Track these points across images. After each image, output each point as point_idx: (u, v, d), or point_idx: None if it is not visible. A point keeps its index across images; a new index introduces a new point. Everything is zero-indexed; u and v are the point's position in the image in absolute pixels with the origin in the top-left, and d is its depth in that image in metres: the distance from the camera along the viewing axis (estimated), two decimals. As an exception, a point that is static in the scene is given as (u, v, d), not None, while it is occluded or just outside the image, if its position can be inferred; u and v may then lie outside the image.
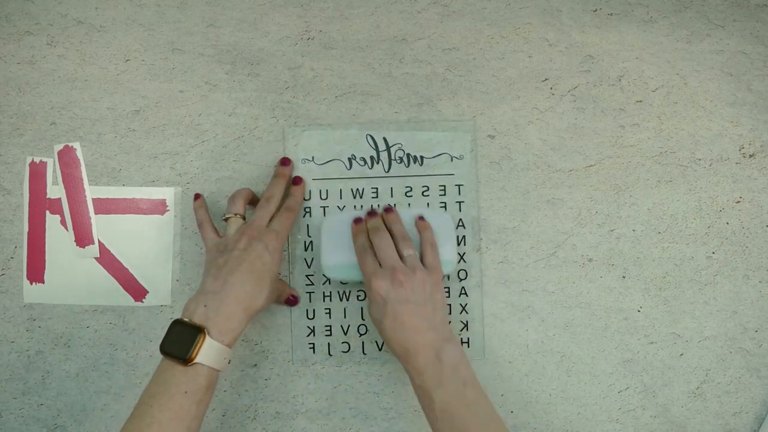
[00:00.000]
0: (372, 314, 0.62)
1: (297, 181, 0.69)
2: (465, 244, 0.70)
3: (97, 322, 0.70)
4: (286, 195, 0.68)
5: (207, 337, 0.55)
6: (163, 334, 0.56)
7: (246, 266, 0.59)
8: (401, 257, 0.63)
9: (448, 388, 0.57)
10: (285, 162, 0.69)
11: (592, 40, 0.71)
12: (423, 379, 0.57)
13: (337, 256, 0.67)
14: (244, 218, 0.65)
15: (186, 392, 0.54)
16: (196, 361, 0.55)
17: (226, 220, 0.64)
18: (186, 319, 0.57)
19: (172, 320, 0.57)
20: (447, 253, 0.67)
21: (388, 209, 0.68)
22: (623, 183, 0.71)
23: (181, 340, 0.55)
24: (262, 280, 0.60)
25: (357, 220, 0.67)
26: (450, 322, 0.69)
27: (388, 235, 0.65)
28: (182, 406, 0.54)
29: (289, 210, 0.66)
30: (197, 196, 0.69)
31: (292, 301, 0.69)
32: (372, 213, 0.68)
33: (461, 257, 0.70)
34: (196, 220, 0.68)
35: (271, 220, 0.65)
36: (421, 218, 0.68)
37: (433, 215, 0.68)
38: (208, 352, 0.55)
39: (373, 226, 0.66)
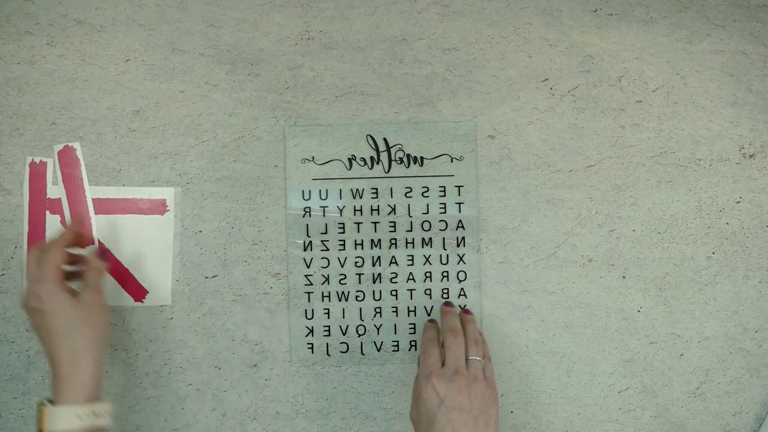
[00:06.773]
0: (418, 414, 0.58)
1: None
2: (464, 246, 0.70)
3: (97, 322, 0.70)
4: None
5: (48, 407, 0.56)
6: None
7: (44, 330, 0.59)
8: (466, 359, 0.61)
9: None
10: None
11: (592, 40, 0.71)
12: None
13: None
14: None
15: None
16: (48, 430, 0.55)
17: None
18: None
19: None
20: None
21: (467, 311, 0.68)
22: (623, 183, 0.71)
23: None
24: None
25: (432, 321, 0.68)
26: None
27: (463, 339, 0.62)
28: None
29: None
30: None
31: (100, 254, 0.67)
32: (448, 303, 0.69)
33: (461, 258, 0.70)
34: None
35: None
36: (466, 310, 0.68)
37: None
38: (54, 419, 0.55)
39: (451, 327, 0.64)
